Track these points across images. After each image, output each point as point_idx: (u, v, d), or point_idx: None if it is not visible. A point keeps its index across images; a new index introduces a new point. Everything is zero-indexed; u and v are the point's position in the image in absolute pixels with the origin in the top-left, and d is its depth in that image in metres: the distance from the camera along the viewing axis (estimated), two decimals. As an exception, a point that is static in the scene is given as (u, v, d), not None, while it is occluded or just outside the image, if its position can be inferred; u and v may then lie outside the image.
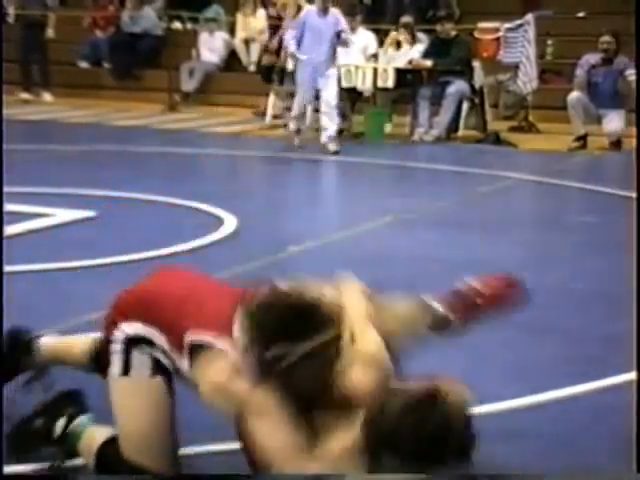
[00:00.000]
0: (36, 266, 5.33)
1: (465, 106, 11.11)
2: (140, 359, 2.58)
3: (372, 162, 9.23)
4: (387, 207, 7.26)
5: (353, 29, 11.78)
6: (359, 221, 6.79)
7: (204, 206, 6.92)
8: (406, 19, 11.77)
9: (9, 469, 2.79)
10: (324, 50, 9.83)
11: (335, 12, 10.03)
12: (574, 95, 10.34)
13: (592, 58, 10.43)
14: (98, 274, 5.27)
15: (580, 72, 10.44)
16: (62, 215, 6.55)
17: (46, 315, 4.45)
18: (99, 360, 2.82)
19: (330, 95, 9.90)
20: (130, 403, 2.60)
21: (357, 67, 11.08)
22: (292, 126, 10.39)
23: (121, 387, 2.61)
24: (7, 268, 4.94)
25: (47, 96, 13.52)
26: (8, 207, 6.59)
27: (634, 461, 2.21)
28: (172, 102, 13.15)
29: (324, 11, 9.91)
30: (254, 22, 13.53)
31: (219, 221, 6.50)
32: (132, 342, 2.60)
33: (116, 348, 2.63)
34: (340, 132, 11.04)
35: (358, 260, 5.58)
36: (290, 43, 10.09)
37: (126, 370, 2.62)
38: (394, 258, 5.78)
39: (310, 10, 10.09)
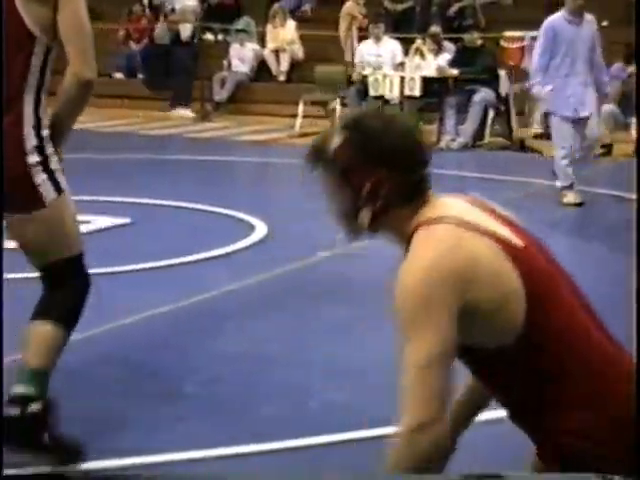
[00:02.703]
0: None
1: (491, 114, 11.24)
2: None
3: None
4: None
5: (378, 38, 11.99)
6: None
7: (235, 213, 7.10)
8: (434, 29, 11.92)
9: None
10: (582, 70, 7.53)
11: (590, 18, 7.68)
12: (606, 107, 10.36)
13: (622, 67, 10.47)
14: (134, 279, 5.45)
15: (615, 83, 10.39)
16: (99, 222, 6.75)
17: (83, 319, 4.64)
18: None
19: (598, 130, 7.85)
20: None
21: (385, 76, 11.25)
22: (560, 182, 7.83)
23: None
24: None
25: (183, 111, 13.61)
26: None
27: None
28: (204, 111, 13.37)
29: (579, 17, 7.56)
30: (283, 33, 13.74)
31: (250, 227, 6.68)
32: None
33: None
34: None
35: (386, 266, 5.73)
36: (535, 67, 7.71)
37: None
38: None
39: (557, 18, 7.64)
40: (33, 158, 3.01)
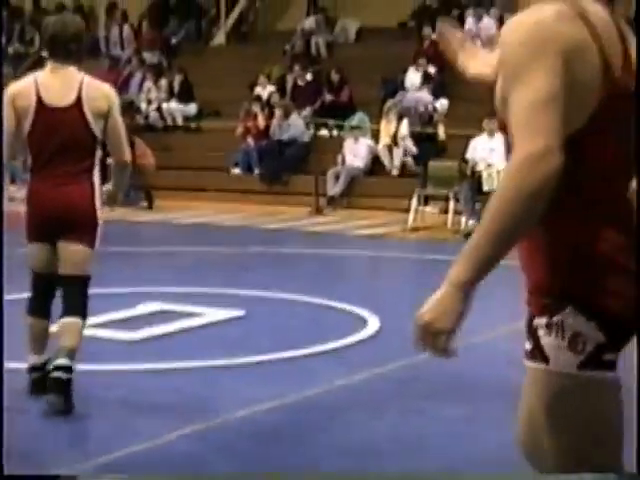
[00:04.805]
0: (188, 363, 5.58)
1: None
2: None
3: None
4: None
5: (491, 133, 11.81)
6: (504, 321, 6.81)
7: (348, 306, 7.10)
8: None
9: None
10: None
11: None
12: None
13: None
14: (247, 372, 5.48)
15: None
16: (213, 314, 6.83)
17: (198, 410, 4.68)
18: None
19: None
20: None
21: (499, 171, 11.15)
22: None
23: None
24: (163, 365, 5.25)
25: None
26: (163, 306, 6.97)
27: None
28: (318, 205, 13.54)
29: None
30: (397, 128, 13.89)
31: (363, 321, 6.66)
32: None
33: None
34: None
35: (500, 363, 5.60)
36: None
37: None
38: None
39: None
40: (99, 213, 4.69)
